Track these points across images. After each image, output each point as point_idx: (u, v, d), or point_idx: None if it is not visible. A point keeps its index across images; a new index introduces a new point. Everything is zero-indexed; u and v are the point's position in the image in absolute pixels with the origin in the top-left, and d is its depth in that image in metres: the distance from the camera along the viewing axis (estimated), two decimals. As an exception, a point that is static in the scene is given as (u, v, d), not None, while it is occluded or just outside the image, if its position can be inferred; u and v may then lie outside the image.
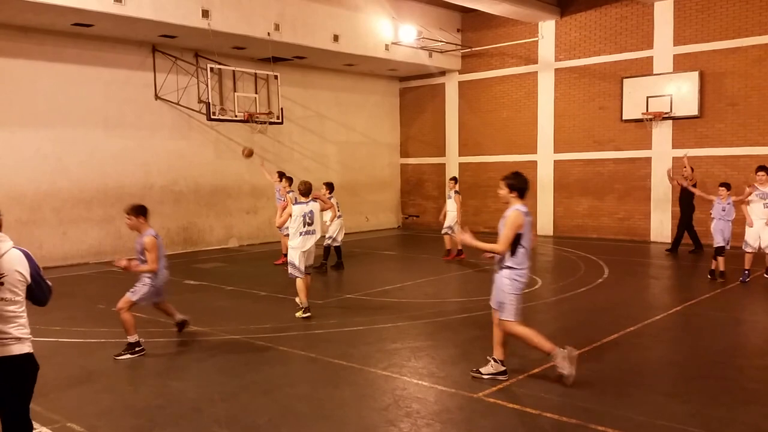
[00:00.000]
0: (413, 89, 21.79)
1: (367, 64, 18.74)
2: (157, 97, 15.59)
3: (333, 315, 8.99)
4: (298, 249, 8.70)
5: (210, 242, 16.82)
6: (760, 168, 10.87)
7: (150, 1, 12.68)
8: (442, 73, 20.55)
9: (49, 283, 3.88)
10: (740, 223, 11.33)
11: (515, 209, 5.88)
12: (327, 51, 16.53)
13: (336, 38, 16.37)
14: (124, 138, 15.03)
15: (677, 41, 16.22)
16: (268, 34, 14.83)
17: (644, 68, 16.80)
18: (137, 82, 15.22)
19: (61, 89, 13.97)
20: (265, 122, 15.95)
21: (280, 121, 16.18)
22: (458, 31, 19.97)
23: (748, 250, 10.91)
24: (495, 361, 6.14)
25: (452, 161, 20.84)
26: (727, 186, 11.13)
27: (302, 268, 8.72)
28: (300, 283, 8.76)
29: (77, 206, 14.33)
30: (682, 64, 16.19)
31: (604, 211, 17.83)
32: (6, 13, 12.19)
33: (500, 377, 6.08)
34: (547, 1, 17.64)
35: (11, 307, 3.62)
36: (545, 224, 18.71)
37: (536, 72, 18.77)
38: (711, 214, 11.27)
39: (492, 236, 6.15)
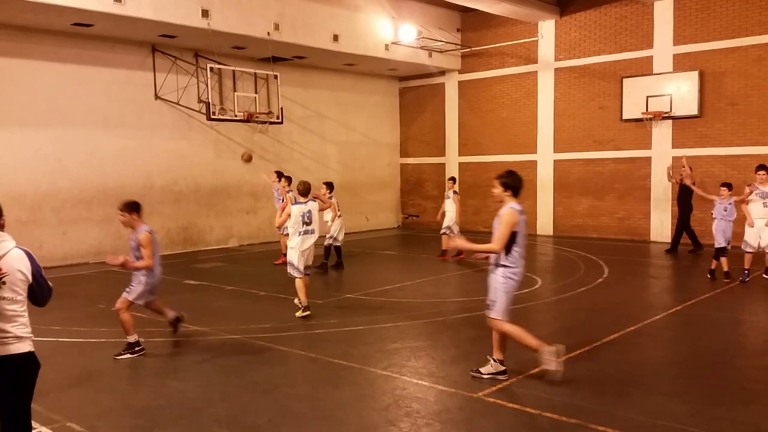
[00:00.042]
0: (413, 89, 21.79)
1: (367, 63, 18.74)
2: (157, 97, 15.60)
3: (333, 315, 9.00)
4: (296, 249, 8.72)
5: (210, 242, 16.83)
6: (760, 167, 10.86)
7: (150, 1, 12.68)
8: (442, 72, 20.55)
9: (50, 284, 3.88)
10: (740, 222, 11.31)
11: (510, 207, 5.89)
12: (327, 51, 16.53)
13: (336, 38, 16.36)
14: (124, 138, 15.04)
15: (677, 41, 16.21)
16: (268, 33, 14.83)
17: (644, 68, 16.80)
18: (137, 82, 15.23)
19: (61, 89, 13.98)
20: (265, 122, 15.96)
21: (280, 120, 16.18)
22: (458, 30, 19.97)
23: (748, 249, 10.89)
24: (495, 360, 6.15)
25: (452, 161, 20.84)
26: (728, 186, 11.09)
27: (301, 267, 8.74)
28: (299, 283, 8.78)
29: (77, 206, 14.33)
30: (682, 63, 16.19)
31: (604, 211, 17.83)
32: (6, 13, 12.19)
33: (500, 377, 6.08)
34: (546, 0, 17.64)
35: (12, 306, 3.63)
36: (545, 224, 18.72)
37: (536, 72, 18.76)
38: (712, 214, 11.23)
39: (491, 236, 6.15)
